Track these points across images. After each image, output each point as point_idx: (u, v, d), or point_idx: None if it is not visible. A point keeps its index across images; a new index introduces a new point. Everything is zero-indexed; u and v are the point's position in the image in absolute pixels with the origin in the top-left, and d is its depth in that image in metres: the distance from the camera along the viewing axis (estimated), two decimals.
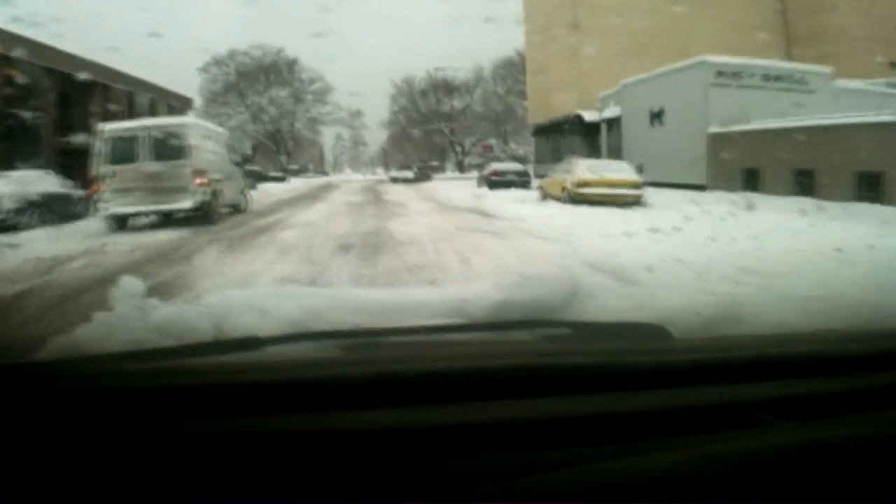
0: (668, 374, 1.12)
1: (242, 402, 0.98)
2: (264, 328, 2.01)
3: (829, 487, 0.76)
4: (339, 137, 67.90)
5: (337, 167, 66.94)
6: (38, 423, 0.91)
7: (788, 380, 1.11)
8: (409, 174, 40.81)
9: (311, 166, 61.64)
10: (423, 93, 63.08)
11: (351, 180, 46.47)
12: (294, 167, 54.61)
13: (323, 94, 60.89)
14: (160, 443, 0.87)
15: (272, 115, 59.54)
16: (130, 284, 2.56)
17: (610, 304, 2.67)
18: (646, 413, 0.98)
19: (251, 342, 1.35)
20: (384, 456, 0.86)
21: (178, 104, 33.83)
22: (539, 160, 39.22)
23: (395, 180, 39.68)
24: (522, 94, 52.21)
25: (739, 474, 0.77)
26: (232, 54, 56.82)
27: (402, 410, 0.97)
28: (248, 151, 54.12)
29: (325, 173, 61.32)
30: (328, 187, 31.92)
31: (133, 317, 2.39)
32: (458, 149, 62.68)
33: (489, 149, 47.81)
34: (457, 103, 63.16)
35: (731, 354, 1.27)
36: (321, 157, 66.54)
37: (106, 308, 2.48)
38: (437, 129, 62.07)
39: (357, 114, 62.91)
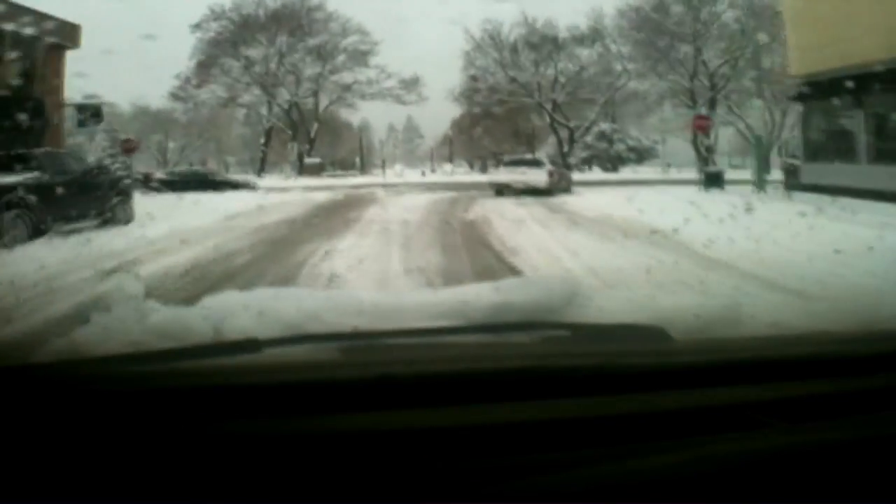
0: (667, 376, 1.12)
1: (241, 404, 0.98)
2: (263, 330, 2.01)
3: (828, 488, 0.76)
4: (391, 129, 48.92)
5: (388, 162, 46.04)
6: (37, 425, 0.90)
7: (788, 381, 1.11)
8: (538, 176, 20.59)
9: (357, 161, 44.86)
10: (515, 49, 39.96)
11: (400, 186, 28.21)
12: (314, 161, 38.82)
13: (362, 55, 40.65)
14: (159, 445, 0.87)
15: (286, 82, 40.68)
16: (129, 286, 2.55)
17: (609, 305, 2.66)
18: (645, 415, 0.98)
19: (250, 344, 1.35)
20: (382, 458, 0.86)
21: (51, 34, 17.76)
22: (811, 154, 18.81)
23: (500, 191, 20.30)
24: (662, 52, 36.29)
25: (739, 475, 0.77)
26: (238, 6, 39.37)
27: (402, 413, 0.97)
28: (262, 139, 41.32)
29: (358, 171, 42.84)
30: (287, 238, 10.62)
31: (131, 319, 2.39)
32: (565, 134, 40.50)
33: (706, 125, 24.79)
34: (564, 65, 40.11)
35: (731, 356, 1.27)
36: (361, 147, 45.50)
37: (104, 310, 2.48)
38: (534, 105, 40.53)
39: (413, 82, 41.03)
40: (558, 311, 2.47)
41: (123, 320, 2.39)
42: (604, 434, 0.92)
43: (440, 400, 1.01)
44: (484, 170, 42.42)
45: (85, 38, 22.90)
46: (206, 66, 40.20)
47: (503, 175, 21.92)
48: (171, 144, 49.26)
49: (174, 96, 41.25)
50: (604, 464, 0.80)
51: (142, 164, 45.48)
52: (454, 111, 47.21)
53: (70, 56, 21.83)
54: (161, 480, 0.81)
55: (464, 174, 42.54)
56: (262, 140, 42.04)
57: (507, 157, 27.34)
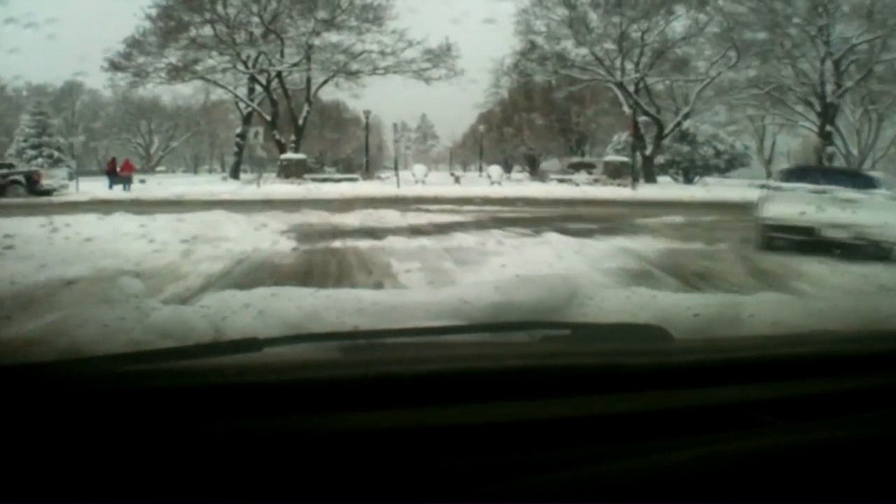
0: (667, 375, 1.13)
1: (242, 403, 0.98)
2: (263, 329, 2.01)
3: (828, 487, 0.76)
4: (403, 127, 34.50)
5: (401, 163, 32.02)
6: (38, 424, 0.91)
7: (788, 380, 1.11)
8: (886, 217, 7.77)
9: (363, 160, 32.97)
10: (595, 4, 29.34)
11: (431, 206, 16.15)
12: (293, 157, 28.17)
13: (374, 13, 29.18)
14: (159, 444, 0.87)
15: (264, 44, 29.33)
16: (130, 285, 2.56)
17: (609, 304, 2.67)
18: (645, 414, 0.98)
19: (251, 344, 1.35)
20: (383, 457, 0.86)
21: None
22: None
23: (772, 241, 8.93)
24: (784, 25, 26.29)
25: (739, 474, 0.77)
26: None
27: (402, 412, 0.97)
28: (238, 129, 31.07)
29: (361, 174, 30.00)
30: None
31: (132, 318, 2.40)
32: (652, 132, 29.88)
33: None
34: (659, 33, 29.19)
35: (731, 355, 1.28)
36: (367, 141, 32.75)
37: (106, 309, 2.48)
38: (603, 88, 30.80)
39: (443, 52, 29.54)
40: (559, 309, 2.47)
41: (124, 319, 2.40)
42: (604, 433, 0.92)
43: (441, 399, 1.01)
44: (540, 177, 31.51)
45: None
46: (162, 26, 29.17)
47: (794, 205, 8.94)
48: (156, 139, 43.45)
49: (113, 65, 29.55)
50: (604, 462, 0.80)
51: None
52: (474, 106, 37.29)
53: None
54: (162, 479, 0.82)
55: (516, 184, 27.95)
56: (238, 130, 30.55)
57: (788, 168, 12.53)
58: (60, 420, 0.91)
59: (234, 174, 31.73)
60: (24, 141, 34.40)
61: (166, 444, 0.88)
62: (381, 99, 36.58)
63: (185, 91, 34.28)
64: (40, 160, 30.73)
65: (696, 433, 0.91)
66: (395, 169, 28.55)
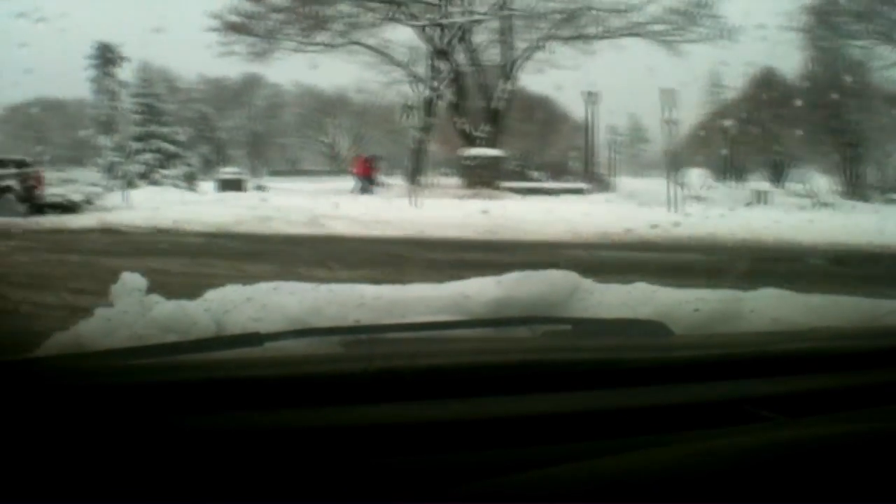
0: (667, 371, 1.13)
1: (244, 397, 0.98)
2: (265, 324, 2.02)
3: (829, 484, 0.76)
4: (612, 130, 26.93)
5: (607, 169, 26.90)
6: (40, 419, 0.91)
7: (788, 376, 1.12)
8: None
9: (572, 164, 26.72)
10: None
11: None
12: (477, 154, 20.33)
13: None
14: (162, 438, 0.88)
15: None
16: (132, 280, 2.56)
17: (609, 299, 2.67)
18: (645, 409, 0.99)
19: (252, 338, 1.35)
20: (385, 451, 0.86)
21: None
22: None
23: None
24: None
25: (739, 470, 0.77)
26: None
27: (403, 406, 0.98)
28: (410, 117, 19.00)
29: (578, 179, 23.79)
30: None
31: (134, 312, 2.40)
32: None
33: None
34: None
35: (731, 351, 1.28)
36: (588, 137, 25.56)
37: (107, 303, 2.48)
38: None
39: (700, 7, 20.93)
40: (560, 305, 2.47)
41: (127, 314, 2.40)
42: (604, 428, 0.92)
43: (442, 393, 1.01)
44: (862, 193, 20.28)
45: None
46: None
47: None
48: (344, 137, 37.03)
49: (232, 26, 21.73)
50: (604, 457, 0.80)
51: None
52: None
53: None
54: (165, 474, 0.82)
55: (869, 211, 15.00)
56: (414, 120, 19.25)
57: None
58: (63, 415, 0.92)
59: (412, 178, 20.54)
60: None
61: (169, 439, 0.88)
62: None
63: (371, 82, 25.34)
64: (147, 156, 23.58)
65: (696, 428, 0.92)
66: (668, 174, 15.31)
